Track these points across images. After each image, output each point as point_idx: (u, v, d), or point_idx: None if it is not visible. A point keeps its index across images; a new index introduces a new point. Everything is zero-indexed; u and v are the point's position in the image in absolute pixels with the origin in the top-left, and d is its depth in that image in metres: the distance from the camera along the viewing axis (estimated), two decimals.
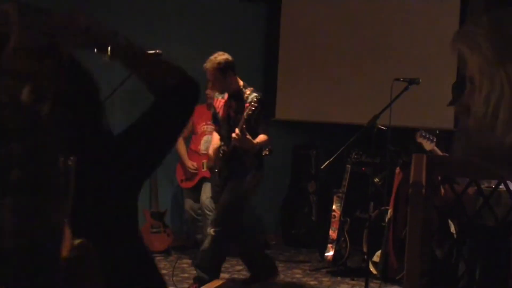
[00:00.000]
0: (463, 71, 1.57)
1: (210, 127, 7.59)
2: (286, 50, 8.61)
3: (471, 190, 4.79)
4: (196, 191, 7.54)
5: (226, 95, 6.32)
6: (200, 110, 7.64)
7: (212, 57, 6.18)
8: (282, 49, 8.62)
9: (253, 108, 5.85)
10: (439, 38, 7.84)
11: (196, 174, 7.61)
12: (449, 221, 5.31)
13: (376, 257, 6.70)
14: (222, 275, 6.99)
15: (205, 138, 7.63)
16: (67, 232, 1.47)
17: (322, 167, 6.01)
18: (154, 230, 7.80)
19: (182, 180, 7.76)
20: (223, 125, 6.30)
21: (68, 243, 1.48)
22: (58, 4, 7.84)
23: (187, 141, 7.80)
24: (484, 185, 5.06)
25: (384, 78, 6.60)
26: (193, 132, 7.73)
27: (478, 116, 1.46)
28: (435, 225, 4.25)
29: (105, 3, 7.79)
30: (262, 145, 6.18)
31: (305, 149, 8.75)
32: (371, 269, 6.56)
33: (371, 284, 6.19)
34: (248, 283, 6.60)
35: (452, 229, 5.29)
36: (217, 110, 6.39)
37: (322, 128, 8.56)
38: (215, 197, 6.44)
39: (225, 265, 7.43)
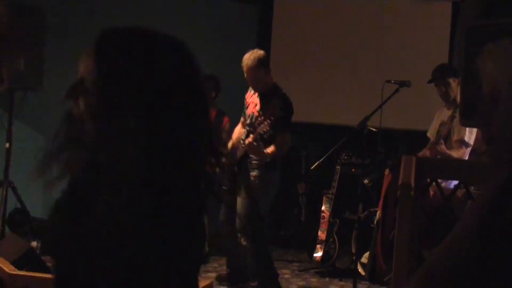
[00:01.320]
0: (486, 87, 1.71)
1: None
2: (278, 51, 8.60)
3: (460, 192, 4.82)
4: None
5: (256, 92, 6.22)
6: None
7: (249, 54, 6.11)
8: (273, 50, 8.61)
9: (268, 127, 5.74)
10: (431, 41, 7.88)
11: None
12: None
13: (364, 258, 6.71)
14: (210, 274, 7.00)
15: None
16: None
17: (311, 168, 6.02)
18: None
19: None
20: (247, 120, 6.22)
21: None
22: (61, 1, 7.73)
23: None
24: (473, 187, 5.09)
25: (376, 80, 6.62)
26: None
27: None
28: (424, 227, 4.26)
29: (95, 2, 7.79)
30: (274, 156, 6.02)
31: (295, 150, 8.73)
32: (359, 270, 6.57)
33: (359, 285, 6.20)
34: (222, 279, 6.62)
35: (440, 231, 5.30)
36: (247, 103, 6.32)
37: (312, 129, 8.56)
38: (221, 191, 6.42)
39: (213, 264, 7.44)
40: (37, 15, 6.91)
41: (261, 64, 6.06)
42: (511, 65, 1.61)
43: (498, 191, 1.80)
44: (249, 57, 6.08)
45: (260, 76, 6.07)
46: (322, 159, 5.89)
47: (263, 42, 8.73)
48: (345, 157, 7.44)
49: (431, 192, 4.82)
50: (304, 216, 8.58)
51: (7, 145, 6.83)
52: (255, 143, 5.81)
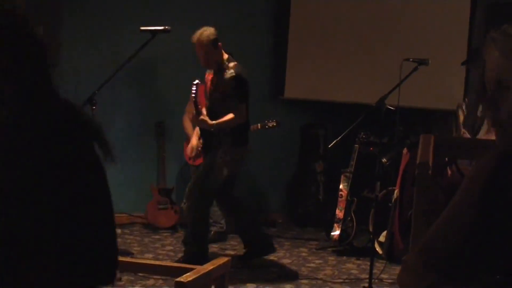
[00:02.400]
0: (492, 74, 1.75)
1: None
2: (296, 28, 8.56)
3: None
4: None
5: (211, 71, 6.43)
6: (203, 87, 7.67)
7: (200, 31, 6.25)
8: (292, 27, 8.56)
9: (193, 94, 6.14)
10: (450, 19, 7.81)
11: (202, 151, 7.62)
12: None
13: (382, 237, 6.70)
14: (228, 252, 7.02)
15: None
16: None
17: (329, 146, 6.00)
18: (161, 206, 7.83)
19: (190, 158, 7.77)
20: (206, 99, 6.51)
21: None
22: None
23: None
24: None
25: (394, 58, 6.58)
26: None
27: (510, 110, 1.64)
28: (441, 206, 4.24)
29: None
30: (223, 125, 6.20)
31: (313, 128, 8.72)
32: (376, 249, 6.56)
33: (377, 264, 6.20)
34: (244, 259, 6.61)
35: None
36: (206, 83, 6.51)
37: (331, 108, 8.53)
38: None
39: (231, 242, 7.46)
40: None
41: (212, 41, 6.21)
42: None
43: (493, 163, 1.80)
44: (201, 33, 6.23)
45: (211, 53, 6.22)
46: (340, 137, 5.87)
47: (281, 20, 8.69)
48: (363, 136, 7.41)
49: (449, 171, 4.78)
50: (322, 195, 8.57)
51: None
52: (196, 115, 6.15)
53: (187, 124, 7.72)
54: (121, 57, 5.69)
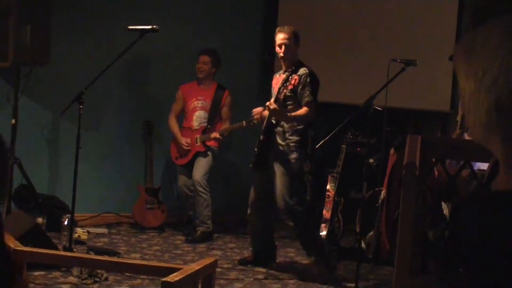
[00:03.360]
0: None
1: (201, 102, 7.62)
2: None
3: (465, 172, 4.80)
4: (190, 168, 7.57)
5: (281, 72, 6.37)
6: (190, 86, 7.69)
7: (285, 26, 6.29)
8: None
9: (286, 78, 5.97)
10: (437, 20, 7.83)
11: (189, 150, 7.62)
12: (443, 203, 5.31)
13: (369, 238, 6.72)
14: (215, 252, 7.02)
15: (196, 113, 7.65)
16: None
17: (316, 146, 6.01)
18: (149, 206, 7.82)
19: (176, 157, 7.77)
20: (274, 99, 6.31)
21: None
22: None
23: (180, 119, 7.80)
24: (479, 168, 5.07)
25: (382, 58, 6.59)
26: (185, 109, 7.73)
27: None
28: (428, 207, 4.25)
29: None
30: (300, 118, 6.14)
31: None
32: (363, 250, 6.57)
33: (363, 265, 6.21)
34: (245, 262, 6.61)
35: (446, 211, 5.30)
36: (273, 86, 6.42)
37: (319, 108, 8.51)
38: (252, 165, 6.43)
39: (218, 242, 7.46)
40: None
41: (296, 36, 6.26)
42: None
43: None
44: (286, 27, 6.27)
45: (293, 48, 6.24)
46: (327, 138, 5.88)
47: (270, 19, 8.70)
48: (351, 136, 7.42)
49: (436, 172, 4.81)
50: (309, 195, 8.57)
51: (13, 121, 6.81)
52: (275, 105, 5.95)
53: (173, 123, 7.72)
54: (111, 56, 5.68)
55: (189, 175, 7.56)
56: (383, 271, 6.49)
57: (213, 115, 7.65)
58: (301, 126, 6.20)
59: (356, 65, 8.13)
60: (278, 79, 6.38)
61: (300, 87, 6.11)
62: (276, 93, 6.23)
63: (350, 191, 7.51)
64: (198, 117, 7.63)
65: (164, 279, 3.44)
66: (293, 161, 6.19)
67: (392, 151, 5.70)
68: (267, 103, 6.01)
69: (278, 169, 6.21)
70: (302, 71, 6.14)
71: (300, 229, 6.24)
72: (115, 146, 7.89)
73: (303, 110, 6.10)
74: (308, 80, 6.13)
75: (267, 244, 6.62)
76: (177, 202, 8.03)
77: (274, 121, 6.21)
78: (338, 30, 8.30)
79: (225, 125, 7.54)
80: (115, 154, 7.89)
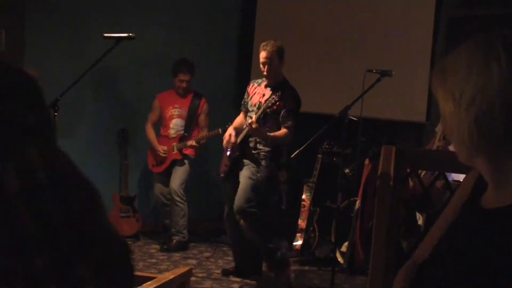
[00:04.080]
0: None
1: (178, 110, 7.62)
2: (261, 38, 8.57)
3: (439, 183, 4.82)
4: (166, 176, 7.56)
5: (263, 83, 6.33)
6: (167, 95, 7.70)
7: (268, 41, 6.24)
8: (257, 37, 8.59)
9: (273, 101, 5.90)
10: (414, 31, 7.87)
11: (166, 158, 7.62)
12: (417, 214, 5.33)
13: (344, 248, 6.73)
14: (189, 261, 6.99)
15: (173, 121, 7.66)
16: None
17: (292, 156, 6.01)
18: (123, 214, 7.78)
19: (153, 165, 7.75)
20: (251, 111, 6.28)
21: None
22: None
23: (157, 127, 7.79)
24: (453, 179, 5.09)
25: (358, 69, 6.61)
26: (162, 117, 7.73)
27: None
28: (402, 217, 4.26)
29: None
30: (279, 139, 6.10)
31: None
32: (338, 259, 6.58)
33: (338, 274, 6.22)
34: (228, 273, 6.58)
35: (420, 222, 5.31)
36: (250, 95, 6.40)
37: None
38: (222, 175, 6.46)
39: (193, 251, 7.44)
40: None
41: (279, 53, 6.22)
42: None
43: (474, 186, 1.83)
44: (269, 44, 6.21)
45: (277, 65, 6.20)
46: (302, 147, 5.89)
47: (246, 29, 8.71)
48: (327, 146, 7.44)
49: (411, 183, 4.82)
50: (284, 205, 8.57)
51: None
52: (256, 123, 5.90)
53: (150, 131, 7.71)
54: (86, 63, 5.64)
55: (166, 183, 7.55)
56: (357, 281, 6.50)
57: (190, 123, 7.66)
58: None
59: (332, 75, 8.16)
60: (256, 88, 6.37)
61: (284, 110, 6.05)
62: (255, 106, 6.22)
63: (326, 201, 7.52)
64: (175, 125, 7.63)
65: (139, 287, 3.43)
66: (260, 168, 6.19)
67: (366, 161, 5.71)
68: (249, 121, 5.97)
69: (243, 173, 6.22)
70: (288, 94, 6.10)
71: (252, 231, 6.18)
72: (90, 154, 7.85)
73: (282, 132, 6.08)
74: (293, 105, 6.11)
75: (248, 255, 6.57)
76: (153, 211, 8.01)
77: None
78: (315, 39, 8.32)
79: (203, 133, 7.54)
80: (90, 162, 7.85)
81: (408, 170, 4.18)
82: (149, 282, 3.58)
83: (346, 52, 8.14)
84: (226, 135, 6.40)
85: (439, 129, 6.26)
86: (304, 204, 7.25)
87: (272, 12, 8.60)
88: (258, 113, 5.98)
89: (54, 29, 7.61)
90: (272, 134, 6.05)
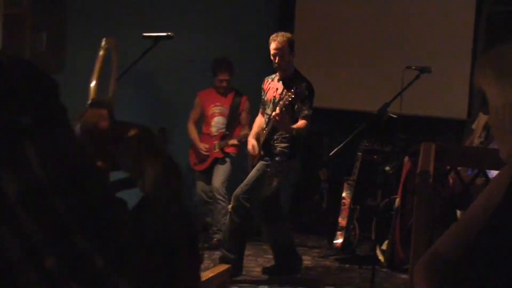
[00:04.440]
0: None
1: (219, 108, 7.63)
2: (300, 36, 8.56)
3: (479, 180, 4.77)
4: (208, 174, 7.58)
5: (276, 78, 6.34)
6: (208, 92, 7.72)
7: (278, 33, 6.24)
8: (296, 35, 8.54)
9: (293, 95, 5.87)
10: (453, 27, 7.80)
11: (208, 156, 7.64)
12: (457, 212, 5.28)
13: (385, 246, 6.69)
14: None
15: (215, 119, 7.68)
16: None
17: (330, 154, 5.99)
18: None
19: (195, 163, 7.79)
20: (267, 107, 6.31)
21: None
22: None
23: (199, 125, 7.83)
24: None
25: (397, 66, 6.56)
26: (203, 115, 7.77)
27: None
28: (443, 215, 4.22)
29: None
30: (300, 131, 6.10)
31: (317, 135, 8.71)
32: (379, 257, 6.54)
33: (379, 273, 6.18)
34: (269, 272, 6.57)
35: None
36: (265, 91, 6.43)
37: (335, 115, 8.52)
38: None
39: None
40: None
41: (290, 44, 6.20)
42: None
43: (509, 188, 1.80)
44: (279, 35, 6.20)
45: (287, 56, 6.18)
46: (341, 145, 5.87)
47: (285, 27, 8.69)
48: (367, 144, 7.40)
49: (451, 180, 4.77)
50: (325, 203, 8.55)
51: None
52: (280, 113, 5.86)
53: (191, 130, 7.75)
54: (126, 63, 5.70)
55: (207, 181, 7.58)
56: (397, 279, 6.45)
57: (232, 121, 7.67)
58: (288, 135, 6.16)
59: (371, 73, 8.11)
60: (270, 83, 6.39)
61: (299, 101, 6.04)
62: (270, 102, 6.26)
63: (366, 199, 7.48)
64: (217, 123, 7.65)
65: None
66: (273, 162, 6.19)
67: (406, 158, 5.68)
68: (273, 114, 5.96)
69: (257, 165, 6.26)
70: (300, 84, 6.08)
71: (237, 218, 6.23)
72: None
73: (302, 123, 6.07)
74: (307, 93, 6.09)
75: (285, 253, 6.55)
76: (194, 209, 8.03)
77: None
78: (353, 37, 8.29)
79: (244, 131, 7.54)
80: None
81: (447, 167, 4.15)
82: None
83: (385, 49, 8.09)
84: (249, 147, 6.45)
85: (476, 126, 6.18)
86: (344, 202, 7.22)
87: (311, 10, 8.58)
88: (281, 105, 5.96)
89: (94, 30, 7.68)
90: (295, 126, 6.04)
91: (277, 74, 6.34)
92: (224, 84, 7.60)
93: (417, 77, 5.84)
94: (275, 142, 6.21)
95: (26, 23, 6.47)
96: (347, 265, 7.05)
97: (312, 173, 8.64)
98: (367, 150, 7.42)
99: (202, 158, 7.71)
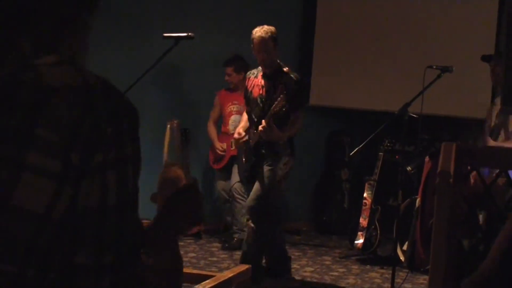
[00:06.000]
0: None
1: (237, 106, 7.65)
2: (321, 36, 8.56)
3: (501, 180, 4.74)
4: (226, 173, 7.60)
5: (259, 74, 6.15)
6: (226, 92, 7.75)
7: (261, 27, 6.08)
8: (317, 35, 8.57)
9: (283, 102, 5.73)
10: (475, 26, 7.75)
11: (225, 155, 7.68)
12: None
13: (406, 246, 6.65)
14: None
15: (232, 118, 7.71)
16: None
17: (351, 154, 5.97)
18: None
19: (213, 162, 7.83)
20: (254, 106, 6.14)
21: None
22: None
23: (219, 124, 7.87)
24: None
25: (418, 65, 6.52)
26: (222, 114, 7.82)
27: None
28: (463, 216, 4.20)
29: None
30: (292, 133, 6.04)
31: (339, 135, 8.70)
32: (400, 258, 6.51)
33: (400, 273, 6.15)
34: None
35: (481, 220, 5.22)
36: (249, 89, 6.24)
37: (356, 115, 8.50)
38: (244, 181, 6.42)
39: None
40: None
41: (274, 39, 6.05)
42: None
43: None
44: (263, 30, 6.04)
45: (272, 51, 6.02)
46: (361, 145, 5.84)
47: (307, 27, 8.69)
48: (388, 144, 7.38)
49: (472, 180, 4.74)
50: (347, 203, 8.53)
51: None
52: (267, 127, 5.78)
53: (211, 129, 7.79)
54: (147, 63, 5.71)
55: (227, 179, 7.59)
56: (418, 280, 6.43)
57: None
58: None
59: (392, 72, 8.09)
60: (254, 80, 6.18)
61: (289, 97, 5.81)
62: (257, 100, 6.10)
63: (388, 199, 7.46)
64: (234, 121, 7.66)
65: (196, 286, 3.45)
66: (279, 165, 6.06)
67: (427, 158, 5.63)
68: (260, 127, 5.84)
69: (264, 172, 6.07)
70: (287, 78, 5.95)
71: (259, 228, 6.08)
72: (151, 154, 7.91)
73: (293, 122, 5.97)
74: (297, 87, 5.95)
75: (277, 256, 6.39)
76: (214, 209, 8.04)
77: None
78: (374, 36, 8.27)
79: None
80: (153, 163, 7.91)
81: (469, 168, 4.12)
82: (207, 281, 3.61)
83: (406, 48, 8.06)
84: (235, 135, 6.42)
85: (487, 126, 6.12)
86: (365, 203, 7.20)
87: (332, 11, 8.56)
88: (268, 116, 5.82)
89: (115, 29, 7.72)
90: (286, 132, 5.95)
91: (259, 69, 6.16)
92: (227, 78, 7.65)
93: (439, 76, 5.80)
94: (274, 145, 6.07)
95: None
96: (368, 266, 7.04)
97: (334, 173, 8.63)
98: (388, 150, 7.40)
99: (219, 157, 7.76)
